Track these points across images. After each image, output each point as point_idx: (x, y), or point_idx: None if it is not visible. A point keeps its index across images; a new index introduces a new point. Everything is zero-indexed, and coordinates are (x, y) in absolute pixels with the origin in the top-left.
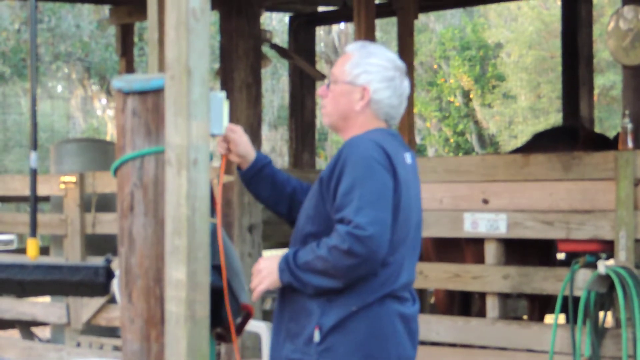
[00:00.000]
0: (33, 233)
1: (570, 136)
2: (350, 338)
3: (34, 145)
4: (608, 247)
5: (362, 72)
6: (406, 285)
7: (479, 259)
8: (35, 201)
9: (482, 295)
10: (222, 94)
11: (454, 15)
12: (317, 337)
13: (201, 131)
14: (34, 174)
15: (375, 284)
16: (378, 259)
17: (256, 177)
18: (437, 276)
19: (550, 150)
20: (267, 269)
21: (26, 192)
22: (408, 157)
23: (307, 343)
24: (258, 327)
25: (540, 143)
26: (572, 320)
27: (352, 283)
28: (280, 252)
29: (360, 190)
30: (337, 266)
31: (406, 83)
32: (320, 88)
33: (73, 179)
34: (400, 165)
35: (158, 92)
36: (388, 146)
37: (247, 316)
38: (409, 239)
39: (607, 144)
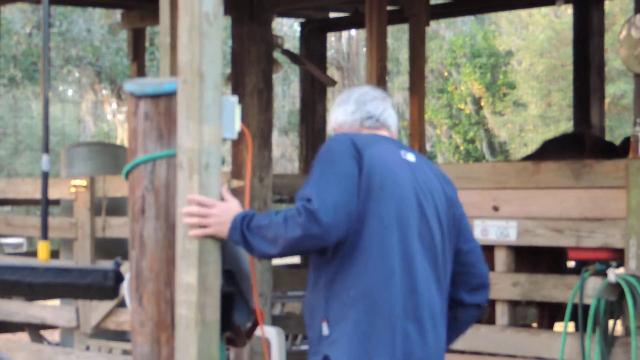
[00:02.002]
0: (44, 236)
1: (578, 143)
2: (354, 329)
3: (46, 148)
4: (618, 255)
5: (330, 120)
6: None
7: (489, 266)
8: (46, 204)
9: (492, 303)
10: (234, 98)
11: (464, 23)
12: (325, 330)
13: (213, 135)
14: (45, 176)
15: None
16: (334, 231)
17: None
18: None
19: (558, 157)
20: (218, 217)
21: (36, 195)
22: (410, 155)
23: (319, 339)
24: (268, 332)
25: (549, 151)
26: (581, 328)
27: (347, 269)
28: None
29: (318, 170)
30: (287, 236)
31: (357, 91)
32: None
33: (83, 182)
34: (383, 155)
35: (170, 95)
36: (360, 139)
37: (257, 321)
38: (405, 230)
39: (613, 150)
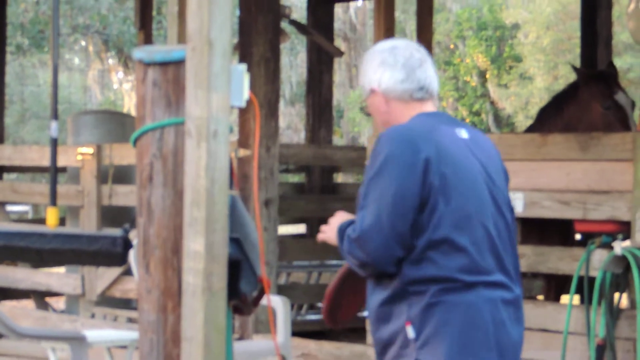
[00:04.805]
0: (53, 202)
1: (572, 88)
2: (445, 330)
3: (55, 115)
4: (625, 228)
5: (363, 79)
6: (494, 268)
7: None
8: (55, 171)
9: None
10: (243, 67)
11: None
12: (411, 333)
13: (221, 103)
14: (54, 143)
15: (450, 267)
16: (380, 260)
17: None
18: None
19: (558, 114)
20: (332, 226)
21: (43, 162)
22: (463, 132)
23: (403, 343)
24: (274, 301)
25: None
26: (587, 300)
27: (428, 271)
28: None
29: (367, 189)
30: (349, 261)
31: (404, 53)
32: None
33: (90, 150)
34: (443, 142)
35: (179, 63)
36: (419, 134)
37: (263, 290)
38: (477, 217)
39: (602, 75)
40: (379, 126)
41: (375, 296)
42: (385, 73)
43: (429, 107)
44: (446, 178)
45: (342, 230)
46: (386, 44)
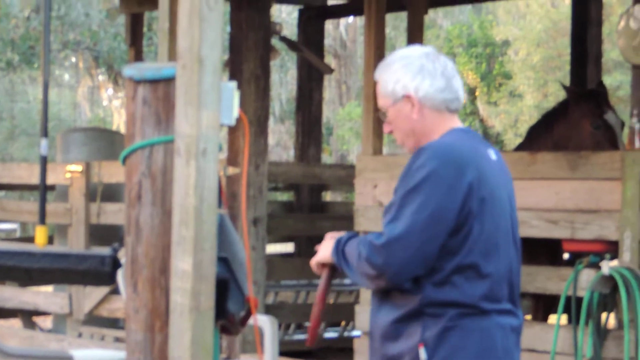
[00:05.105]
0: (42, 220)
1: (562, 106)
2: (460, 355)
3: (45, 132)
4: (613, 248)
5: (394, 85)
6: (505, 296)
7: None
8: (44, 189)
9: None
10: (233, 84)
11: (462, 12)
12: (423, 355)
13: (211, 121)
14: (44, 161)
15: (473, 294)
16: (396, 275)
17: None
18: None
19: (547, 131)
20: (326, 244)
21: (32, 180)
22: (492, 154)
23: None
24: (261, 320)
25: (538, 130)
26: (574, 320)
27: (451, 296)
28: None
29: (404, 202)
30: (361, 270)
31: (441, 60)
32: (383, 127)
33: (79, 168)
34: (482, 165)
35: (169, 81)
36: (466, 153)
37: (250, 309)
38: (503, 244)
39: (592, 94)
40: (400, 135)
41: (384, 313)
42: (426, 80)
43: (457, 120)
44: (484, 203)
45: (343, 241)
46: (419, 50)
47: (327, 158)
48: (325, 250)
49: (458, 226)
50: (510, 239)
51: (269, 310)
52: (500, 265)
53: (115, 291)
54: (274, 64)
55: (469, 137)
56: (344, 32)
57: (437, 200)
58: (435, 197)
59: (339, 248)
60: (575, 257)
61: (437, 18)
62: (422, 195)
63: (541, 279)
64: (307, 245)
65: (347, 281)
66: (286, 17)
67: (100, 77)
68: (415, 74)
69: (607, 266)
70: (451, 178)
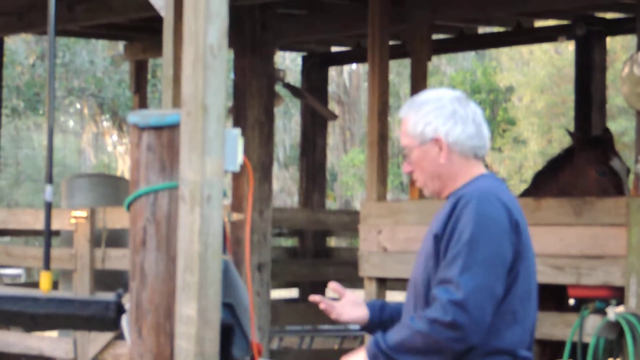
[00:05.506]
0: (47, 266)
1: (567, 153)
2: None
3: (50, 179)
4: (618, 294)
5: (424, 126)
6: (530, 343)
7: None
8: (49, 234)
9: None
10: (237, 131)
11: (465, 59)
12: None
13: (216, 168)
14: (48, 207)
15: (512, 340)
16: (482, 328)
17: (380, 327)
18: None
19: (553, 178)
20: (356, 355)
21: (37, 225)
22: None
23: None
24: None
25: (543, 176)
26: None
27: (495, 343)
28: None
29: (470, 249)
30: (440, 340)
31: (471, 106)
32: (402, 167)
33: (84, 213)
34: (520, 215)
35: (173, 127)
36: (505, 197)
37: (254, 355)
38: (534, 290)
39: (598, 140)
40: (423, 177)
41: None
42: (458, 125)
43: (482, 167)
44: (524, 247)
45: (382, 337)
46: (451, 94)
47: (331, 204)
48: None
49: (511, 268)
50: (536, 285)
51: (273, 355)
52: (530, 311)
53: (120, 337)
54: (278, 110)
55: (499, 183)
56: (348, 78)
57: (497, 242)
58: (495, 240)
59: (381, 347)
60: (581, 303)
61: (441, 64)
62: (484, 241)
63: (547, 325)
64: (312, 290)
65: (352, 326)
66: (290, 64)
67: (105, 124)
68: (448, 118)
69: (613, 312)
70: (504, 220)
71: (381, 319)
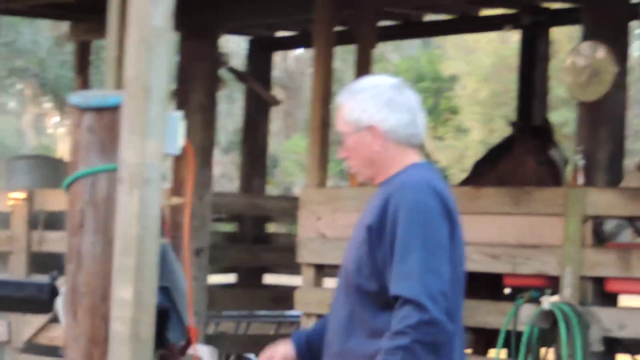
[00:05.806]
0: None
1: (508, 141)
2: None
3: None
4: (553, 283)
5: (359, 113)
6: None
7: None
8: None
9: None
10: (179, 114)
11: (411, 46)
12: None
13: (156, 150)
14: None
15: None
16: (449, 327)
17: (312, 356)
18: None
19: (493, 167)
20: None
21: None
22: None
23: None
24: (201, 350)
25: (484, 165)
26: (514, 355)
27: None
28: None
29: (418, 253)
30: (419, 343)
31: (408, 94)
32: (338, 153)
33: (22, 195)
34: (452, 204)
35: (115, 109)
36: (438, 186)
37: (190, 339)
38: (462, 284)
39: (538, 130)
40: (357, 163)
41: (359, 342)
42: (393, 113)
43: (417, 155)
44: (457, 234)
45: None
46: (387, 81)
47: (271, 190)
48: None
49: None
50: (464, 275)
51: (209, 340)
52: (459, 300)
53: (55, 319)
54: (222, 94)
55: (433, 172)
56: (294, 64)
57: (436, 229)
58: (434, 228)
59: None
60: (516, 292)
61: (386, 52)
62: (425, 228)
63: (482, 314)
64: (249, 276)
65: (288, 312)
66: (235, 48)
67: (46, 105)
68: (383, 105)
69: (548, 301)
70: (439, 208)
71: (311, 351)
